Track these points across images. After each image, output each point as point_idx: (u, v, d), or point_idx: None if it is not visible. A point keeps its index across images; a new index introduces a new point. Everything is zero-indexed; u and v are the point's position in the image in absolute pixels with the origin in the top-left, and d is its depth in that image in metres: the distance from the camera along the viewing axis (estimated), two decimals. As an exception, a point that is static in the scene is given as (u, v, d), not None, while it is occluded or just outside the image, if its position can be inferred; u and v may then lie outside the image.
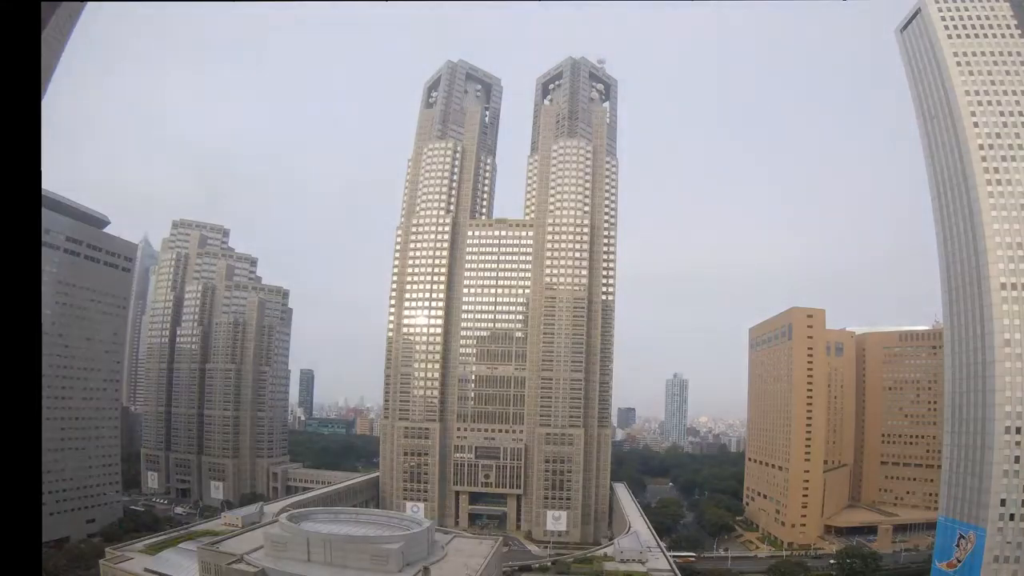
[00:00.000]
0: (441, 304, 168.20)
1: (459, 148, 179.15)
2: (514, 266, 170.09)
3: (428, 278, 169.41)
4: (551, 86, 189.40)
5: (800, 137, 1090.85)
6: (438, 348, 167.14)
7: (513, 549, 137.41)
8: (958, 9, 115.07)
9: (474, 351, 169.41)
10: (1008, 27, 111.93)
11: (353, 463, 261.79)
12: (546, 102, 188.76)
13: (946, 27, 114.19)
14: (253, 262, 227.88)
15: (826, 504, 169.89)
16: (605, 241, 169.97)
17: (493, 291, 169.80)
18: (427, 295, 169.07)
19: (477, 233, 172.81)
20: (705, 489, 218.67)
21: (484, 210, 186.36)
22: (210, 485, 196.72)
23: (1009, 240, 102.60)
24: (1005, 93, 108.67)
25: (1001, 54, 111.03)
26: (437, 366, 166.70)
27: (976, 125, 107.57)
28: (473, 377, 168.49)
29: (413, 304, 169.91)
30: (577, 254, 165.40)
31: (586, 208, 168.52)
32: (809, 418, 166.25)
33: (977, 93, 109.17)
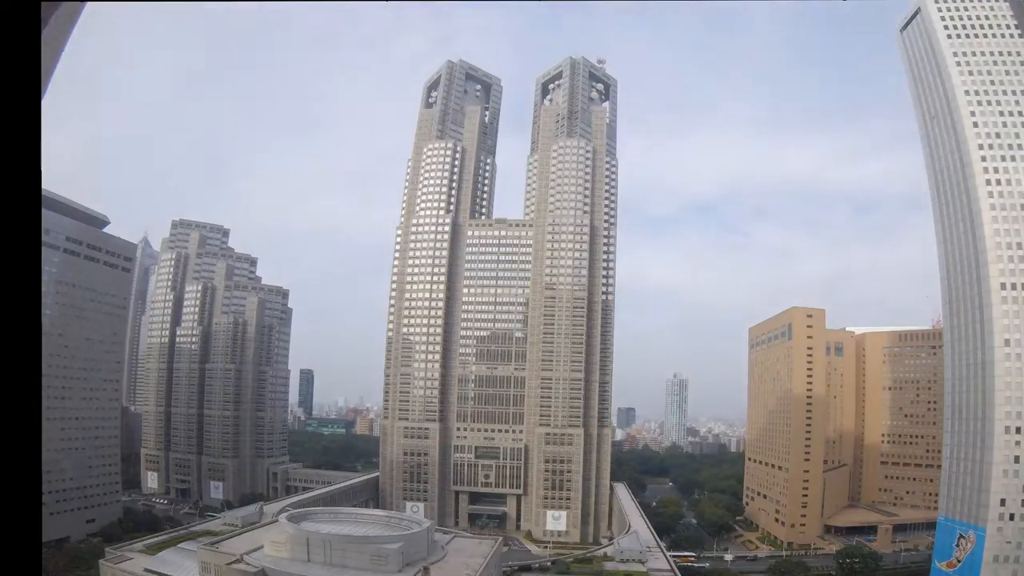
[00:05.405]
0: (441, 304, 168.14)
1: (459, 148, 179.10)
2: (514, 266, 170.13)
3: (428, 278, 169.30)
4: (551, 86, 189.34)
5: (800, 136, 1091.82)
6: (438, 348, 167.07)
7: (513, 549, 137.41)
8: (958, 9, 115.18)
9: (474, 351, 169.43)
10: (1008, 27, 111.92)
11: (353, 463, 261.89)
12: (546, 102, 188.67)
13: (946, 27, 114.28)
14: (253, 262, 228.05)
15: (826, 504, 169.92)
16: (605, 241, 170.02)
17: (493, 291, 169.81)
18: (427, 295, 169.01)
19: (477, 233, 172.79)
20: (705, 489, 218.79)
21: (484, 210, 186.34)
22: (210, 485, 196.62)
23: (1009, 240, 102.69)
24: (1005, 93, 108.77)
25: (1001, 54, 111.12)
26: (437, 366, 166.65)
27: (976, 125, 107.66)
28: (473, 377, 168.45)
29: (413, 304, 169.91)
30: (577, 254, 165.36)
31: (586, 208, 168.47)
32: (809, 418, 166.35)
33: (977, 93, 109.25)
